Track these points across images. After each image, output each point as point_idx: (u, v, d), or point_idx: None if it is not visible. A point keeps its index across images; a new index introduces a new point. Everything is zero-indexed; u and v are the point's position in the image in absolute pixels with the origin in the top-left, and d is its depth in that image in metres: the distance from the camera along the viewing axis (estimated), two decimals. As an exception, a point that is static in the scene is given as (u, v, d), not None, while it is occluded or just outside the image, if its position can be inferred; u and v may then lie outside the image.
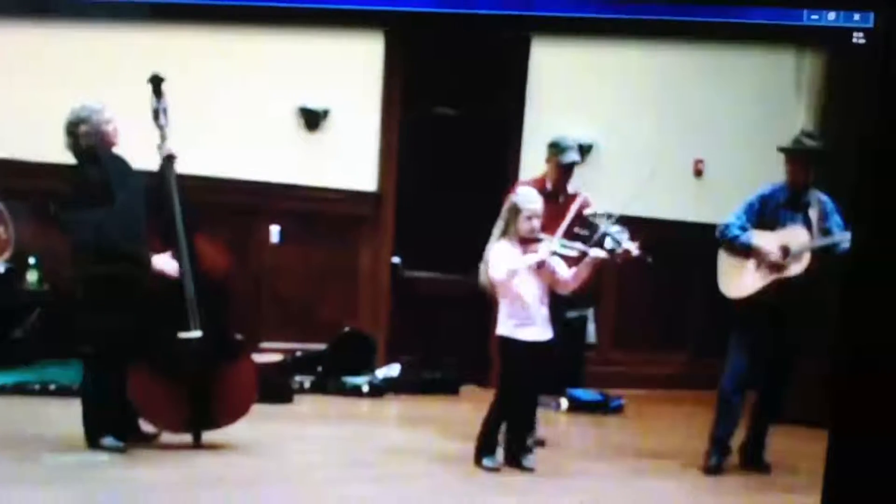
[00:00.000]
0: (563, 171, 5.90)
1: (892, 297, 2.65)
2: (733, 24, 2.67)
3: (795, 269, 5.62)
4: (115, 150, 5.35)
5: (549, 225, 5.54)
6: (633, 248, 5.54)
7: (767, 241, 5.70)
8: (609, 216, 5.57)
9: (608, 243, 5.48)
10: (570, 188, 5.92)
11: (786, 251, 5.64)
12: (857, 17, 2.65)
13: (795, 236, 5.65)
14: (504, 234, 5.42)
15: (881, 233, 2.61)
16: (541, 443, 5.96)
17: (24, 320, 6.44)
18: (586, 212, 5.61)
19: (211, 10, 2.73)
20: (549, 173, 5.96)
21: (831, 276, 5.50)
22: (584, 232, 5.55)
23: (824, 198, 5.67)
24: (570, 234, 5.55)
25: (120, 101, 5.40)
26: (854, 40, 2.67)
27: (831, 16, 2.66)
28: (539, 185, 5.88)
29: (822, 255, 5.59)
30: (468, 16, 2.76)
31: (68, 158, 5.32)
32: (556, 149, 5.96)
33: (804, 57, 8.35)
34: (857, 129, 2.70)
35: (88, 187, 5.22)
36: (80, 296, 5.30)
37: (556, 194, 5.86)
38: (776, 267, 5.66)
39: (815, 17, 2.66)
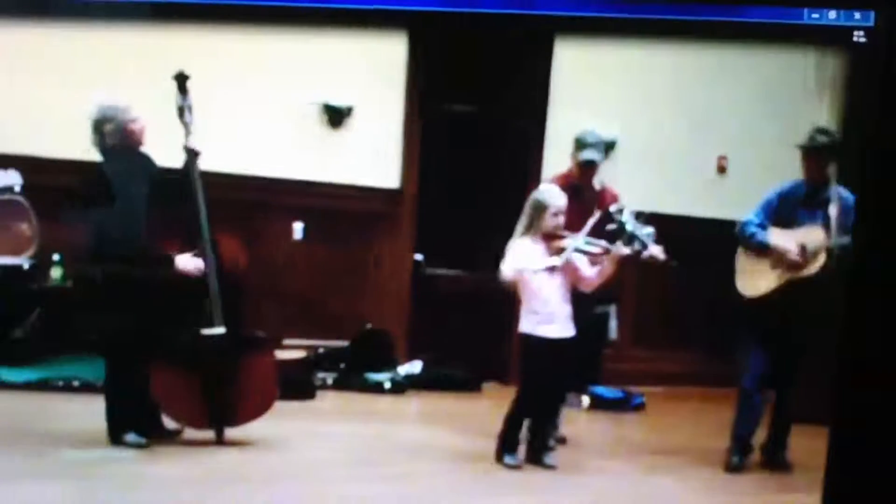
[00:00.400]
0: (582, 169, 5.89)
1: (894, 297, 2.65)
2: (734, 22, 2.67)
3: (811, 268, 5.61)
4: (142, 148, 5.37)
5: (574, 221, 5.54)
6: (659, 252, 5.52)
7: (784, 239, 5.69)
8: (639, 214, 5.56)
9: (636, 245, 5.48)
10: (597, 184, 5.91)
11: (803, 250, 5.62)
12: (857, 15, 2.64)
13: (812, 235, 5.63)
14: (527, 230, 5.42)
15: (884, 232, 2.61)
16: (562, 440, 5.98)
17: (29, 318, 6.49)
18: (613, 208, 5.60)
19: (211, 10, 2.73)
20: (573, 169, 5.96)
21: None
22: (612, 228, 5.54)
23: (846, 193, 5.63)
24: (596, 231, 5.54)
25: (143, 98, 5.42)
26: (855, 39, 2.66)
27: (832, 14, 2.65)
28: (564, 180, 5.87)
29: (840, 254, 5.58)
30: (473, 15, 2.76)
31: (94, 156, 5.35)
32: (576, 145, 5.93)
33: (826, 53, 8.31)
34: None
35: (112, 185, 5.24)
36: (101, 292, 5.32)
37: (580, 190, 5.84)
38: (792, 266, 5.65)
39: (815, 15, 2.65)
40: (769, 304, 5.72)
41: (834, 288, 5.55)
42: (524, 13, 2.77)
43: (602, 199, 5.82)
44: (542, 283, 5.39)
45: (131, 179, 5.28)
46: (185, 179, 5.38)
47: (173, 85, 5.42)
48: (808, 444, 5.75)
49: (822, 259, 5.59)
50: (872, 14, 2.63)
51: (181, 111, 5.41)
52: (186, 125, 5.41)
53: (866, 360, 2.70)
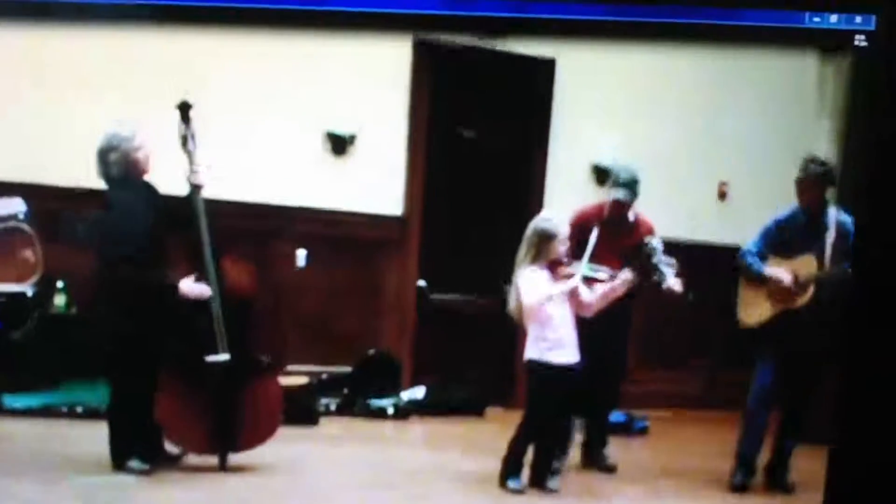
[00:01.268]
0: (613, 206, 5.95)
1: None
2: (734, 26, 2.66)
3: (803, 299, 5.65)
4: (147, 177, 5.39)
5: (607, 252, 5.63)
6: (676, 284, 5.60)
7: (780, 270, 5.72)
8: (664, 246, 5.64)
9: (656, 276, 5.54)
10: (631, 215, 5.98)
11: (796, 281, 5.66)
12: (858, 19, 2.63)
13: (805, 266, 5.68)
14: (535, 259, 5.42)
15: (886, 246, 2.60)
16: (613, 468, 6.11)
17: (26, 325, 6.52)
18: (647, 239, 5.67)
19: (213, 14, 2.71)
20: (606, 202, 6.02)
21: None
22: (639, 257, 5.61)
23: (845, 218, 5.66)
24: (623, 260, 5.62)
25: (149, 125, 5.47)
26: (856, 43, 2.65)
27: (833, 18, 2.64)
28: (598, 211, 5.97)
29: (834, 282, 5.60)
30: (474, 18, 2.76)
31: (97, 183, 5.38)
32: (610, 181, 6.04)
33: (827, 80, 8.36)
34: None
35: (116, 213, 5.27)
36: (106, 319, 5.34)
37: (613, 222, 5.92)
38: (784, 297, 5.69)
39: (816, 19, 2.64)
40: (766, 333, 5.79)
41: (826, 317, 5.60)
42: (522, 17, 2.77)
43: (636, 230, 5.89)
44: (554, 309, 5.39)
45: (136, 208, 5.29)
46: (188, 209, 5.41)
47: (176, 114, 5.47)
48: (811, 466, 5.76)
49: (811, 290, 5.63)
50: (874, 18, 2.62)
51: (184, 140, 5.43)
52: (190, 154, 5.43)
53: (869, 379, 2.69)
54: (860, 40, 2.65)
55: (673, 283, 5.59)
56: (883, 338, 2.61)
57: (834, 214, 5.69)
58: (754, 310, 5.83)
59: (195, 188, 5.43)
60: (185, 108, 5.45)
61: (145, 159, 5.35)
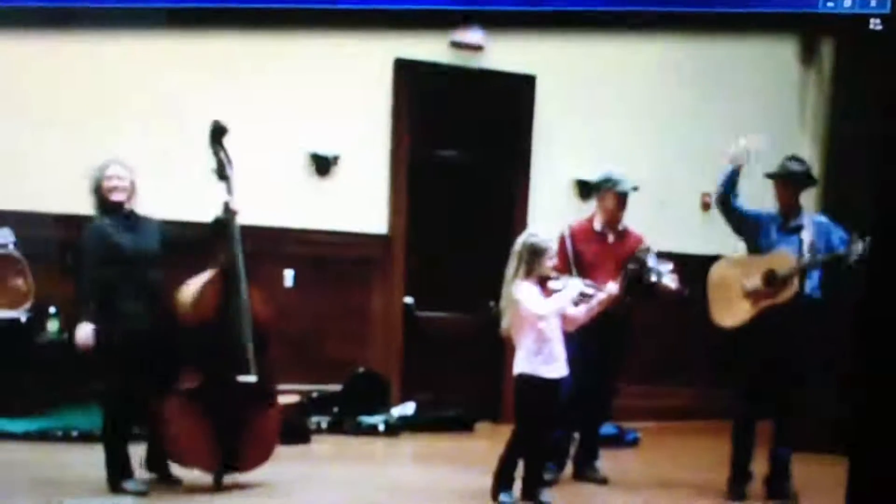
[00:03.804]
0: (619, 202, 6.01)
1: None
2: (750, 13, 2.66)
3: (785, 294, 5.62)
4: (130, 205, 5.42)
5: (601, 262, 5.84)
6: (671, 281, 5.72)
7: (754, 266, 5.73)
8: (660, 254, 5.75)
9: (652, 276, 5.64)
10: (620, 226, 6.06)
11: (772, 276, 5.64)
12: (873, 2, 2.63)
13: (781, 261, 5.65)
14: (527, 275, 5.37)
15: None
16: (604, 481, 6.15)
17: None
18: (642, 247, 5.82)
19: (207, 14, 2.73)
20: (600, 211, 6.08)
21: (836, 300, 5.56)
22: (633, 266, 5.71)
23: (820, 218, 5.76)
24: (620, 271, 5.74)
25: (136, 152, 5.51)
26: (871, 27, 2.65)
27: (847, 2, 2.64)
28: (588, 225, 6.06)
29: (828, 274, 5.65)
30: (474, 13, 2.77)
31: (89, 211, 5.42)
32: (609, 183, 6.05)
33: (807, 88, 8.45)
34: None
35: (107, 240, 5.31)
36: (98, 343, 5.36)
37: (604, 234, 6.02)
38: (764, 294, 5.69)
39: (830, 3, 2.64)
40: (750, 333, 5.72)
41: (814, 309, 5.63)
42: (530, 10, 2.78)
43: (627, 240, 5.99)
44: (547, 323, 5.40)
45: (131, 235, 5.34)
46: (224, 233, 5.50)
47: (205, 139, 5.54)
48: (810, 472, 5.81)
49: (794, 285, 5.63)
50: (889, 1, 2.62)
51: (220, 166, 5.53)
52: (227, 180, 5.53)
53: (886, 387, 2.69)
54: (875, 24, 2.66)
55: (668, 280, 5.69)
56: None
57: (809, 215, 5.77)
58: (731, 310, 5.80)
59: (232, 213, 5.51)
60: (218, 132, 5.54)
61: (122, 188, 5.36)
